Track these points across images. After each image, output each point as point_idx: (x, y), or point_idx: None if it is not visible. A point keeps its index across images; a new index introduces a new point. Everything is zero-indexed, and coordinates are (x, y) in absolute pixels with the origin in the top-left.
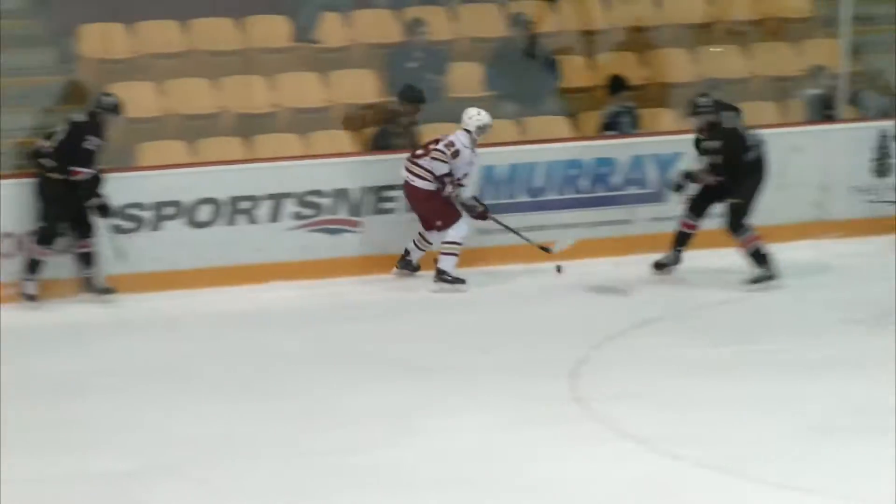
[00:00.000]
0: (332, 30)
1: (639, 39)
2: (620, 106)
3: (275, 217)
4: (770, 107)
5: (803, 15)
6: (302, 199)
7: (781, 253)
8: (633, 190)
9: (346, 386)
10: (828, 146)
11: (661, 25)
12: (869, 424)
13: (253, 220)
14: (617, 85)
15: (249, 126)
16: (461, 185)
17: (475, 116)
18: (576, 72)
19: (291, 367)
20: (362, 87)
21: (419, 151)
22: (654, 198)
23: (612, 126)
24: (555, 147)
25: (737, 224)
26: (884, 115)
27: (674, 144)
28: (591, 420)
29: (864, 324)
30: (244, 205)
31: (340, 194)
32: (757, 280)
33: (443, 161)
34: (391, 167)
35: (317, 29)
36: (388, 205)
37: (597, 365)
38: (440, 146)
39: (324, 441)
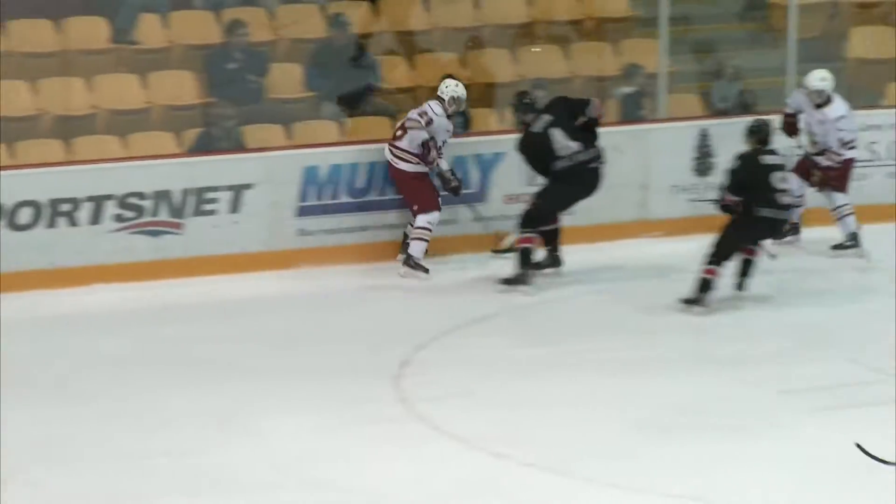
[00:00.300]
0: (150, 31)
1: (458, 40)
2: None
3: (96, 219)
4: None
5: (621, 15)
6: (123, 202)
7: (603, 252)
8: None
9: (172, 388)
10: (648, 145)
11: (482, 26)
12: (693, 423)
13: (73, 223)
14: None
15: (68, 128)
16: (440, 154)
17: (451, 86)
18: (397, 73)
19: (116, 370)
20: (182, 89)
21: (398, 133)
22: (477, 198)
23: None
24: (376, 147)
25: (523, 220)
26: (743, 108)
27: (495, 144)
28: (416, 420)
29: (684, 324)
30: (64, 207)
31: (161, 196)
32: (506, 281)
33: (418, 129)
34: (213, 168)
35: (135, 30)
36: (210, 206)
37: (422, 365)
38: (413, 114)
39: (153, 444)
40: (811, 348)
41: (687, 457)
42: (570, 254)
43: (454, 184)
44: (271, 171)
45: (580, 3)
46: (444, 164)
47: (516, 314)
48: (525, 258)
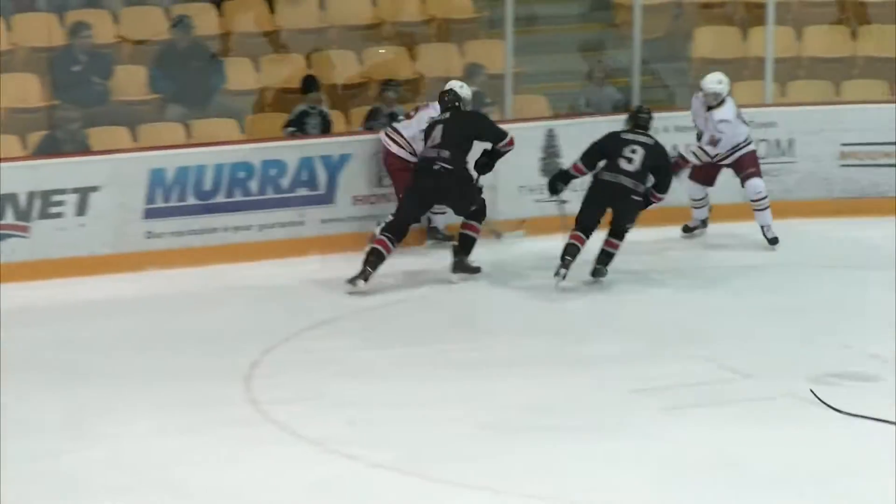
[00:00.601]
0: None
1: (305, 41)
2: (309, 106)
3: None
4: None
5: (467, 16)
6: None
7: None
8: (303, 192)
9: (21, 393)
10: None
11: (328, 27)
12: (547, 423)
13: None
14: (309, 85)
15: None
16: None
17: (457, 88)
18: (241, 74)
19: None
20: (26, 92)
21: (401, 119)
22: (325, 199)
23: (297, 126)
24: (223, 149)
25: (478, 213)
26: (616, 109)
27: (343, 146)
28: (268, 423)
29: (537, 323)
30: None
31: (7, 199)
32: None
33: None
34: (59, 171)
35: None
36: (56, 209)
37: (272, 367)
38: (424, 127)
39: (3, 450)
40: (666, 347)
41: (540, 457)
42: (415, 255)
43: None
44: (117, 173)
45: (425, 3)
46: None
47: (365, 316)
48: (373, 257)
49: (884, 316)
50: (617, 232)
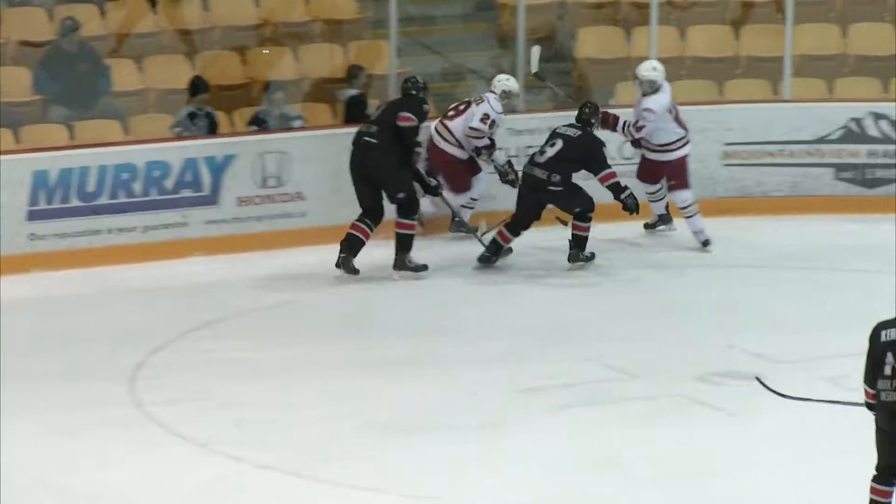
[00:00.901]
0: None
1: (188, 42)
2: (197, 108)
3: None
4: (324, 109)
5: (351, 16)
6: None
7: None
8: (187, 193)
9: None
10: None
11: (210, 28)
12: (433, 423)
13: None
14: (197, 86)
15: None
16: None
17: (503, 80)
18: (125, 75)
19: None
20: None
21: (450, 114)
22: (209, 200)
23: (185, 127)
24: (106, 151)
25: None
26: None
27: (227, 146)
28: (152, 424)
29: (420, 323)
30: None
31: None
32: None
33: (481, 137)
34: None
35: None
36: None
37: (156, 369)
38: (476, 124)
39: None
40: (554, 347)
41: (426, 457)
42: (306, 254)
43: (510, 177)
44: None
45: (309, 4)
46: (501, 157)
47: (252, 316)
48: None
49: (768, 315)
50: (576, 216)
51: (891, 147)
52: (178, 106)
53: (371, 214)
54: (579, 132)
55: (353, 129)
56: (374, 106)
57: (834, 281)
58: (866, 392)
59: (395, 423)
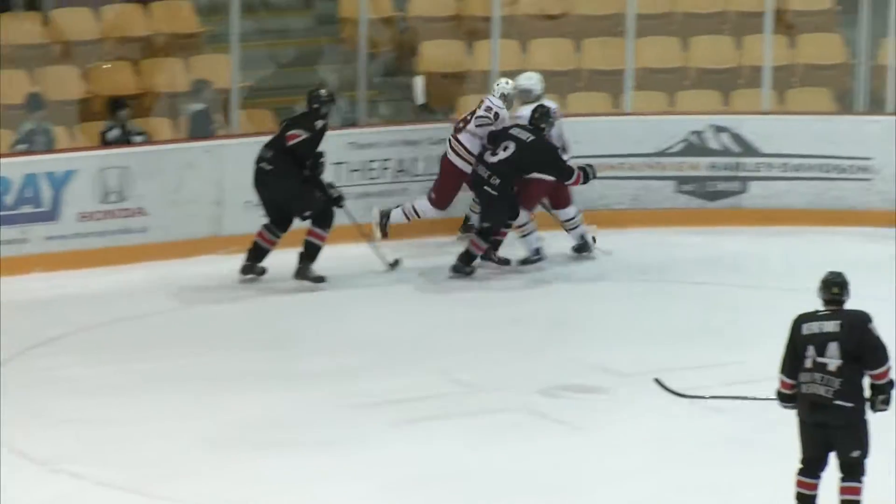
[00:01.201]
0: None
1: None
2: (35, 124)
3: None
4: (164, 123)
5: (192, 31)
6: None
7: (179, 269)
8: (26, 209)
9: None
10: (222, 161)
11: (51, 43)
12: (275, 438)
13: None
14: (33, 103)
15: None
16: None
17: (502, 84)
18: None
19: None
20: None
21: (459, 125)
22: (49, 216)
23: (29, 143)
24: None
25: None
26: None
27: (68, 162)
28: None
29: (260, 338)
30: None
31: None
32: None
33: (487, 125)
34: None
35: None
36: None
37: None
38: (482, 113)
39: None
40: (398, 361)
41: (266, 472)
42: (148, 269)
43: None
44: None
45: (150, 18)
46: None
47: (93, 333)
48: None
49: (612, 328)
50: (479, 231)
51: (731, 160)
52: (19, 121)
53: (277, 225)
54: (531, 136)
55: (197, 144)
56: (218, 121)
57: (676, 293)
58: (783, 383)
59: (237, 438)
